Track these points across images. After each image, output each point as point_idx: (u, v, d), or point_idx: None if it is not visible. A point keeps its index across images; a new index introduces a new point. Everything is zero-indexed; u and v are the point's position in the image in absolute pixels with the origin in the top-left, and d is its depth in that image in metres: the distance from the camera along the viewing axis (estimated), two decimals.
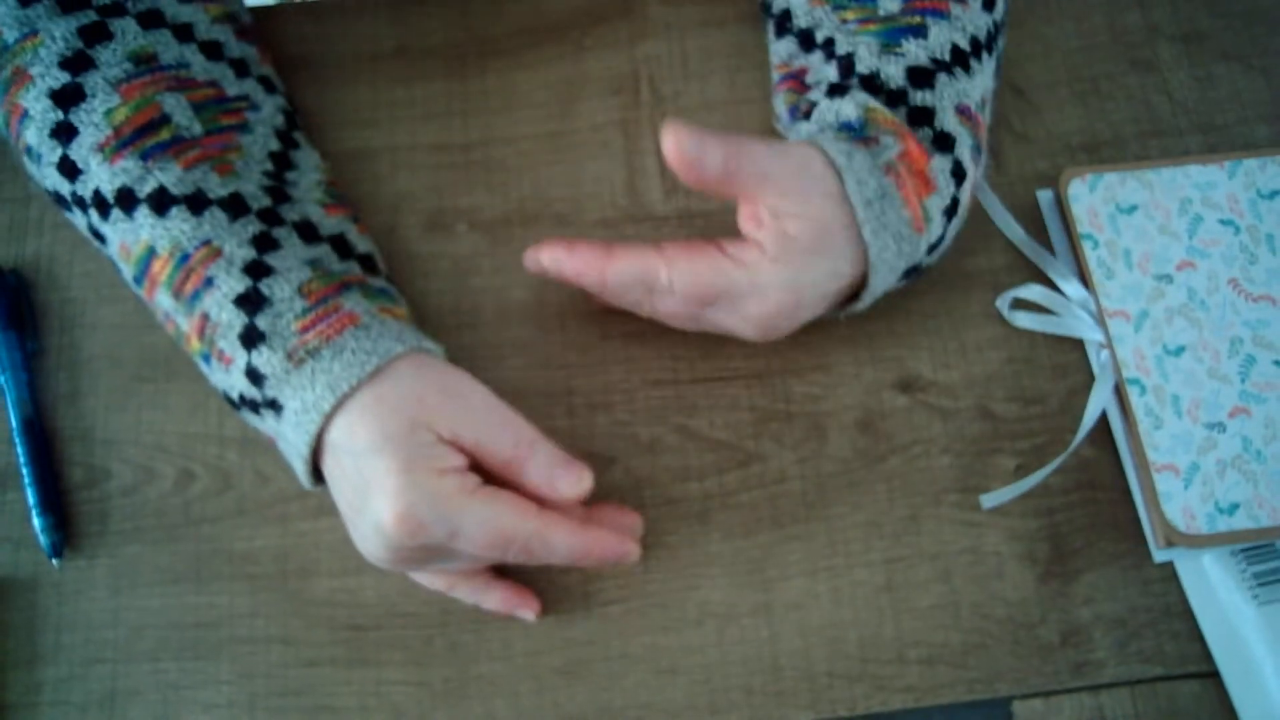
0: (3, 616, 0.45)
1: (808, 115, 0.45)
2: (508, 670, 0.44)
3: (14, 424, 0.47)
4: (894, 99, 0.43)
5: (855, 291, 0.44)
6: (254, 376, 0.40)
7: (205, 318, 0.40)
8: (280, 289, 0.40)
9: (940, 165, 0.42)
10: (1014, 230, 0.50)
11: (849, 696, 0.44)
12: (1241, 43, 0.54)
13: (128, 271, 0.43)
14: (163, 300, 0.42)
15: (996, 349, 0.49)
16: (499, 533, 0.38)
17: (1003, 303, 0.49)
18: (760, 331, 0.43)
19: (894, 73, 0.43)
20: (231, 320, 0.40)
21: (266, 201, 0.42)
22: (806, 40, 0.46)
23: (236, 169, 0.42)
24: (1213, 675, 0.44)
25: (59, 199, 0.44)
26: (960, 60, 0.44)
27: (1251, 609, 0.44)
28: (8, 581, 0.46)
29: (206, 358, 0.41)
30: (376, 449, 0.38)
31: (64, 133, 0.41)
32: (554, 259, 0.43)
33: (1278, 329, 0.47)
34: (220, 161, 0.42)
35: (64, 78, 0.41)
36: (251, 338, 0.39)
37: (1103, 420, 0.47)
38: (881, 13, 0.44)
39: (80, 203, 0.42)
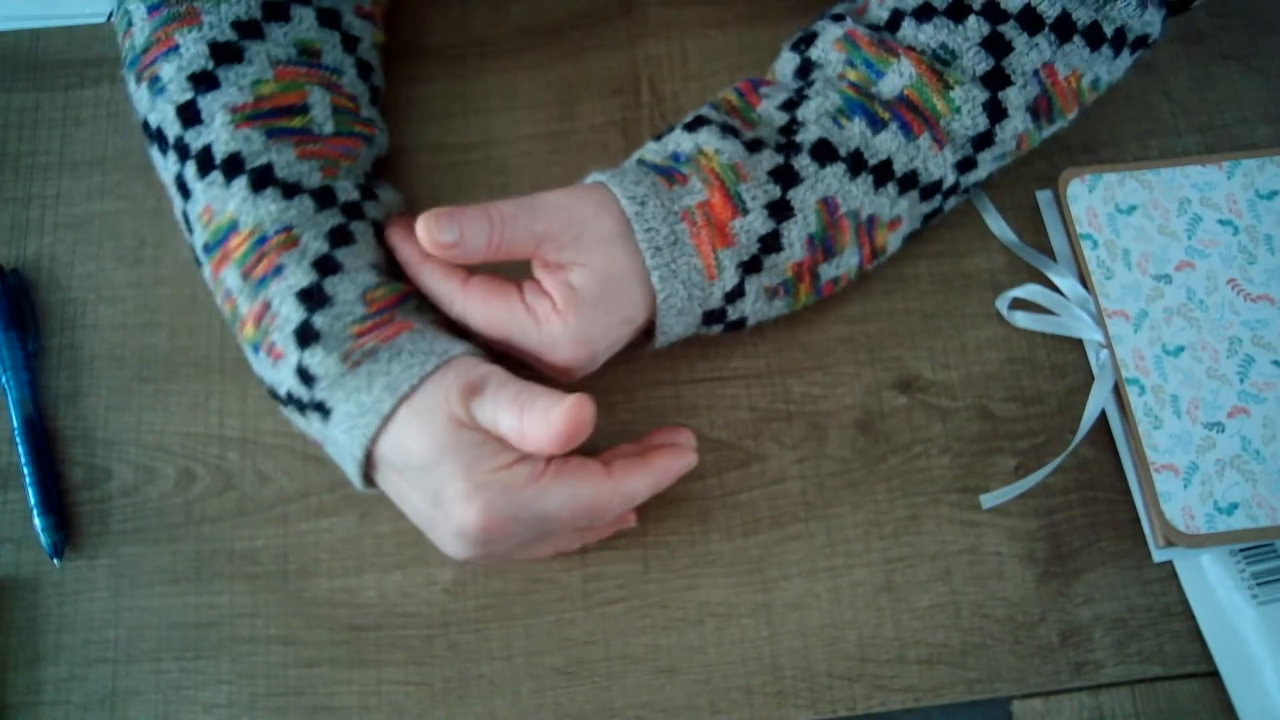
0: (4, 616, 0.45)
1: (659, 136, 0.45)
2: (508, 670, 0.44)
3: (15, 424, 0.47)
4: (785, 148, 0.43)
5: (650, 329, 0.44)
6: (305, 376, 0.40)
7: (266, 306, 0.40)
8: (345, 290, 0.40)
9: (747, 225, 0.42)
10: (1006, 234, 0.50)
11: (848, 696, 0.44)
12: (1240, 43, 0.54)
13: (201, 237, 0.42)
14: (229, 278, 0.41)
15: (996, 349, 0.49)
16: (584, 503, 0.39)
17: (1002, 303, 0.49)
18: (559, 375, 0.43)
19: (810, 132, 0.43)
20: (290, 314, 0.40)
21: (355, 195, 0.43)
22: (805, 69, 0.46)
23: (340, 174, 0.43)
24: (1212, 675, 0.44)
25: (158, 135, 0.43)
26: (878, 174, 0.43)
27: (1251, 609, 0.44)
28: (9, 581, 0.46)
29: (256, 348, 0.41)
30: (435, 460, 0.38)
31: (205, 81, 0.42)
32: (391, 239, 0.43)
33: (1276, 329, 0.47)
34: (332, 164, 0.43)
35: (231, 35, 0.42)
36: (306, 336, 0.39)
37: (1102, 420, 0.47)
38: (873, 90, 0.44)
39: (183, 150, 0.42)
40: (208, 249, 0.42)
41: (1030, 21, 0.43)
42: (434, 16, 0.55)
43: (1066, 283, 0.49)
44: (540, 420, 0.37)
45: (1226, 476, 0.45)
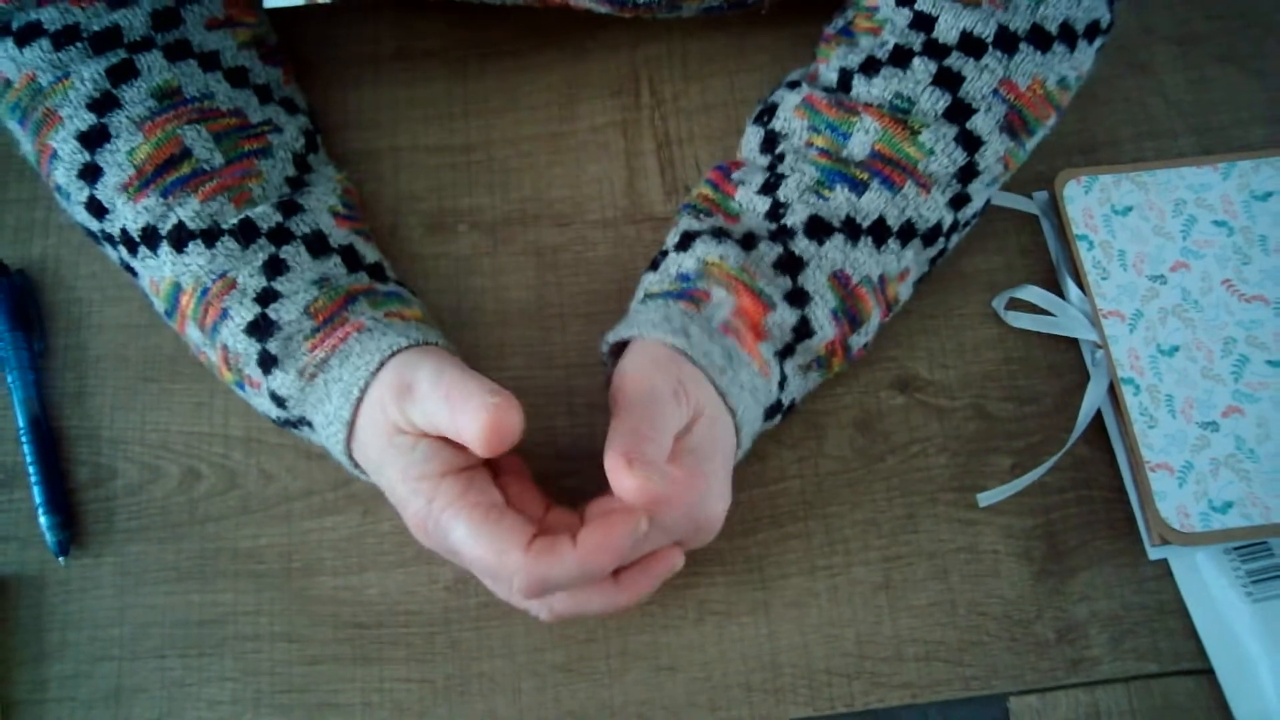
0: (9, 614, 0.46)
1: (655, 266, 0.45)
2: (509, 667, 0.45)
3: (21, 423, 0.47)
4: (778, 235, 0.43)
5: None
6: (276, 399, 0.41)
7: (226, 348, 0.42)
8: (288, 312, 0.41)
9: (778, 320, 0.42)
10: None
11: (847, 693, 0.44)
12: (1236, 45, 0.54)
13: (159, 306, 0.44)
14: (192, 334, 0.43)
15: (993, 349, 0.49)
16: (480, 556, 0.36)
17: (999, 303, 0.49)
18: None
19: (798, 212, 0.43)
20: (248, 349, 0.41)
21: (277, 218, 0.43)
22: (770, 141, 0.46)
23: (254, 196, 0.43)
24: (1207, 672, 0.44)
25: (90, 234, 0.45)
26: (876, 234, 0.43)
27: (1245, 606, 0.44)
28: (15, 579, 0.46)
29: (241, 385, 0.43)
30: (380, 463, 0.39)
31: (90, 174, 0.43)
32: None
33: (1270, 329, 0.48)
34: (239, 190, 0.43)
35: (90, 119, 0.43)
36: (267, 362, 0.41)
37: (1098, 419, 0.48)
38: (844, 153, 0.44)
39: (110, 240, 0.44)
40: (168, 314, 0.44)
41: (972, 46, 0.43)
42: (435, 19, 0.55)
43: (1063, 283, 0.49)
44: (468, 423, 0.35)
45: (1221, 475, 0.45)
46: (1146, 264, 0.49)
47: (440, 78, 0.54)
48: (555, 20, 0.55)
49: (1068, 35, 0.44)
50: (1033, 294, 0.49)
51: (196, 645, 0.45)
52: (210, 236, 0.42)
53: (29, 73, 0.43)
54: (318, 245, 0.43)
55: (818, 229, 0.43)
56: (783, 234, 0.43)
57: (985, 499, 0.46)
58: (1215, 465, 0.45)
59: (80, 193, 0.43)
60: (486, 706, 0.44)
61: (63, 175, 0.43)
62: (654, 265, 0.45)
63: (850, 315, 0.43)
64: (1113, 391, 0.47)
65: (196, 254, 0.42)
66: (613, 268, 0.51)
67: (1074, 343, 0.49)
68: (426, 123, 0.53)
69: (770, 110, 0.47)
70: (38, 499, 0.46)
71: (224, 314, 0.41)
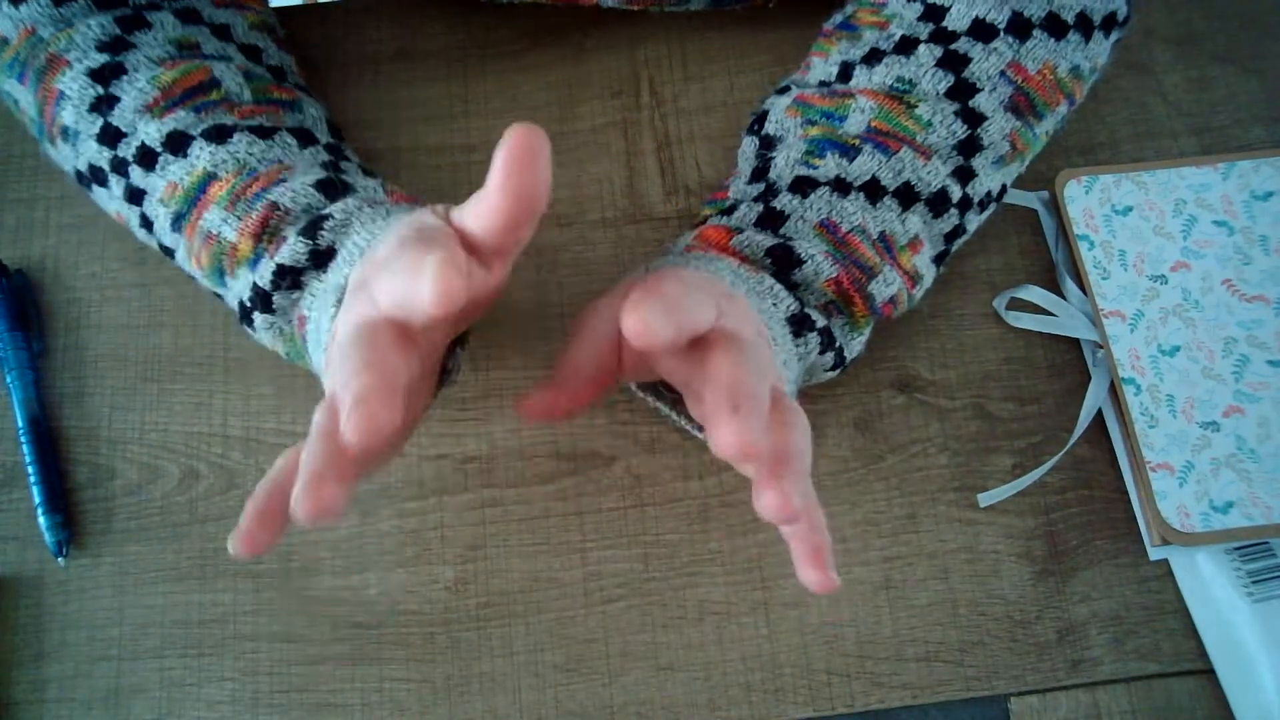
0: (8, 614, 0.46)
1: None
2: (509, 667, 0.45)
3: (20, 423, 0.47)
4: (760, 198, 0.42)
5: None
6: (315, 224, 0.37)
7: (274, 207, 0.38)
8: (364, 182, 0.41)
9: (747, 240, 0.40)
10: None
11: (847, 694, 0.44)
12: (1236, 45, 0.54)
13: (170, 211, 0.40)
14: (211, 218, 0.39)
15: (993, 349, 0.49)
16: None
17: (999, 303, 0.49)
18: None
19: (785, 180, 0.42)
20: (318, 199, 0.38)
21: (331, 139, 0.43)
22: (766, 146, 0.46)
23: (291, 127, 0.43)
24: (1208, 672, 0.44)
25: (93, 172, 0.42)
26: (870, 191, 0.41)
27: (1246, 606, 0.44)
28: (13, 579, 0.46)
29: (256, 260, 0.39)
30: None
31: (105, 103, 0.41)
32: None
33: (1271, 329, 0.48)
34: (274, 119, 0.42)
35: (103, 58, 0.41)
36: (335, 193, 0.39)
37: (1098, 419, 0.48)
38: (839, 130, 0.43)
39: (120, 165, 0.41)
40: (180, 217, 0.40)
41: (983, 32, 0.43)
42: (435, 19, 0.55)
43: (1063, 283, 0.49)
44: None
45: (1222, 475, 0.45)
46: (1147, 264, 0.49)
47: (440, 78, 0.54)
48: (555, 20, 0.55)
49: (1084, 24, 0.43)
50: (1033, 294, 0.49)
51: (196, 645, 0.45)
52: (264, 131, 0.40)
53: (28, 27, 0.41)
54: (369, 172, 0.44)
55: (803, 185, 0.42)
56: (766, 194, 0.42)
57: (986, 499, 0.46)
58: (1216, 465, 0.45)
59: (92, 125, 0.41)
60: (486, 706, 0.44)
61: (71, 114, 0.41)
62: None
63: (853, 260, 0.41)
64: (1113, 391, 0.47)
65: (247, 142, 0.39)
66: (613, 268, 0.51)
67: (1075, 343, 0.49)
68: (426, 123, 0.53)
69: (762, 118, 0.47)
70: (37, 499, 0.46)
71: (282, 180, 0.38)
